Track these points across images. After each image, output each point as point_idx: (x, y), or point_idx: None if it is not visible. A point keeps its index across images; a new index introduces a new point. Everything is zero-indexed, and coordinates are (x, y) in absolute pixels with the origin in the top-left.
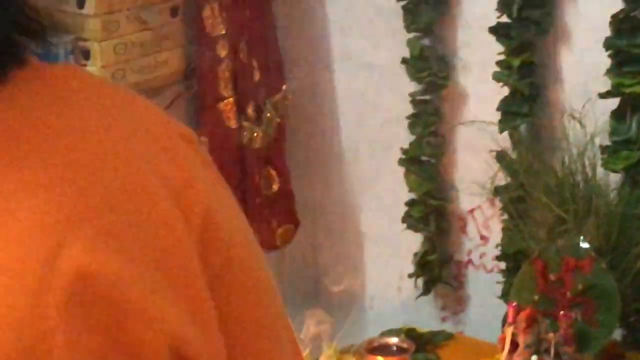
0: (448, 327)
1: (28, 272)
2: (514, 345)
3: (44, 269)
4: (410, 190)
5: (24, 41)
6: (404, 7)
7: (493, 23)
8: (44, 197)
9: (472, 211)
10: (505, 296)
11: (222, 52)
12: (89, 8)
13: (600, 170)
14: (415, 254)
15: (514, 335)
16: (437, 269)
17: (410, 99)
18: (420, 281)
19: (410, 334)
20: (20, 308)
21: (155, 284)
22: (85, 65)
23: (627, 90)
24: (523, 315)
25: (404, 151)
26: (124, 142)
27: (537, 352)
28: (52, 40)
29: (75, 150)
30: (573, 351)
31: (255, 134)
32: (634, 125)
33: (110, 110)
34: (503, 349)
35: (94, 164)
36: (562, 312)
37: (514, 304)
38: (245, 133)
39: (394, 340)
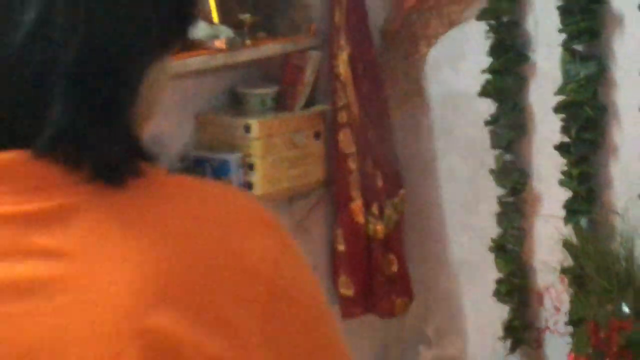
0: None
1: (109, 321)
2: None
3: (128, 321)
4: (499, 271)
5: (139, 160)
6: (490, 130)
7: (557, 142)
8: (143, 268)
9: (547, 287)
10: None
11: (353, 166)
12: (254, 133)
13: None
14: (504, 322)
15: None
16: (521, 334)
17: (497, 200)
18: (508, 343)
19: None
20: (100, 350)
21: (207, 335)
22: (250, 176)
23: None
24: None
25: (493, 241)
26: (208, 230)
27: None
28: (225, 156)
29: (170, 234)
30: None
31: (379, 228)
32: None
33: (199, 205)
34: None
35: (183, 245)
36: None
37: (572, 355)
38: (370, 227)
39: None
